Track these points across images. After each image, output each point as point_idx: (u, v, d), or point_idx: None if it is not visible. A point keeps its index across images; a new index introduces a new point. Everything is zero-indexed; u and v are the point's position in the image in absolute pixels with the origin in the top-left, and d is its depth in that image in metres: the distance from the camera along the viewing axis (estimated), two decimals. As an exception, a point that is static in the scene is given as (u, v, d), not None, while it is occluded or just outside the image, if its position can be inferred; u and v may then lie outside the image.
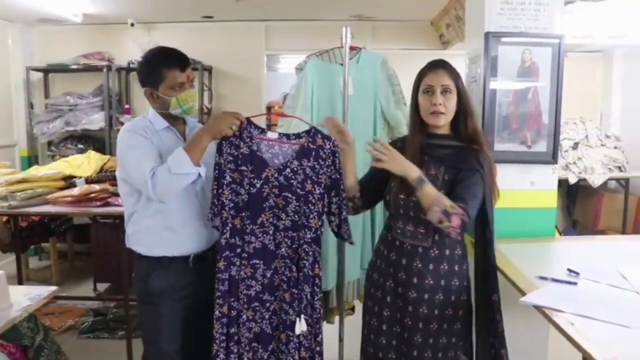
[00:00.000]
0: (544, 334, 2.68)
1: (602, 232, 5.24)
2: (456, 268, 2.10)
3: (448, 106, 2.06)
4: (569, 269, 2.10)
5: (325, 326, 2.92)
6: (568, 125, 5.22)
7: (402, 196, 2.11)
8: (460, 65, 3.02)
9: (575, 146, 5.13)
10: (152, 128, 2.19)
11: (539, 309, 1.78)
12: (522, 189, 2.74)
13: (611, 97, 5.75)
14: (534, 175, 2.76)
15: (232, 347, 2.17)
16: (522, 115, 2.73)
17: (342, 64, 2.70)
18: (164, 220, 2.18)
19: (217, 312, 2.16)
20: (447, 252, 2.09)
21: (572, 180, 4.98)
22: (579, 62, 5.57)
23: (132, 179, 2.13)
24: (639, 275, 2.02)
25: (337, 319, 2.97)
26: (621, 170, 5.07)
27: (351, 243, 2.31)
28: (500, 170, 2.69)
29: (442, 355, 2.11)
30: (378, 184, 2.23)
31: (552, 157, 2.75)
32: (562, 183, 4.98)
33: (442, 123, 2.09)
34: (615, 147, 5.20)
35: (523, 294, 1.90)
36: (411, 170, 1.98)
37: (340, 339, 2.92)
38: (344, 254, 2.79)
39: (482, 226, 2.15)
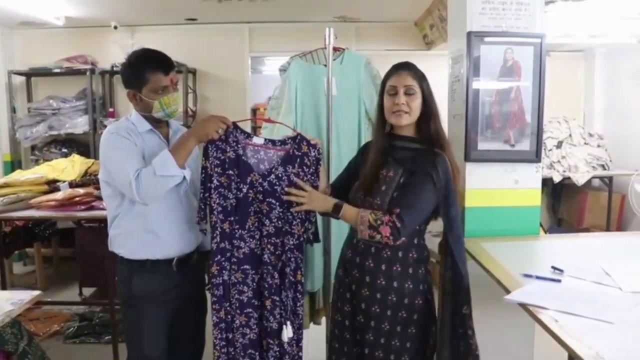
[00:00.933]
0: (529, 331, 2.69)
1: (587, 230, 5.28)
2: (410, 271, 2.10)
3: (412, 106, 2.07)
4: (553, 267, 2.11)
5: (312, 327, 2.92)
6: (552, 124, 5.26)
7: (359, 195, 2.14)
8: (444, 66, 3.05)
9: (559, 145, 5.17)
10: (135, 130, 2.18)
11: (523, 306, 1.78)
12: (506, 188, 2.76)
13: (594, 96, 5.81)
14: (517, 174, 2.77)
15: (232, 352, 2.18)
16: (505, 114, 2.75)
17: (325, 65, 2.71)
18: (147, 223, 2.17)
19: (214, 318, 2.16)
20: (400, 254, 2.09)
21: (557, 178, 5.01)
22: (561, 62, 5.62)
23: (115, 180, 2.12)
24: (622, 272, 2.04)
25: (323, 320, 2.97)
26: (605, 169, 5.11)
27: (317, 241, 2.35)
28: (484, 169, 2.73)
29: (395, 358, 2.11)
30: (350, 187, 2.24)
31: (535, 155, 2.77)
32: (547, 182, 5.02)
33: (405, 122, 2.09)
34: (599, 146, 5.24)
35: (508, 292, 1.91)
36: (327, 203, 2.08)
37: (327, 341, 2.91)
38: (330, 256, 2.79)
39: (445, 231, 2.15)
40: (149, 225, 2.17)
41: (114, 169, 2.11)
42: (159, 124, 2.25)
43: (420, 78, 2.10)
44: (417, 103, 2.08)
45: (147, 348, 2.22)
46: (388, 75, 2.14)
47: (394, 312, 2.10)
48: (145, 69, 2.14)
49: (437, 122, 2.12)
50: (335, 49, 2.74)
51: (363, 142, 2.84)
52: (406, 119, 2.08)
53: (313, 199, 2.11)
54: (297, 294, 2.22)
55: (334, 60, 2.74)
